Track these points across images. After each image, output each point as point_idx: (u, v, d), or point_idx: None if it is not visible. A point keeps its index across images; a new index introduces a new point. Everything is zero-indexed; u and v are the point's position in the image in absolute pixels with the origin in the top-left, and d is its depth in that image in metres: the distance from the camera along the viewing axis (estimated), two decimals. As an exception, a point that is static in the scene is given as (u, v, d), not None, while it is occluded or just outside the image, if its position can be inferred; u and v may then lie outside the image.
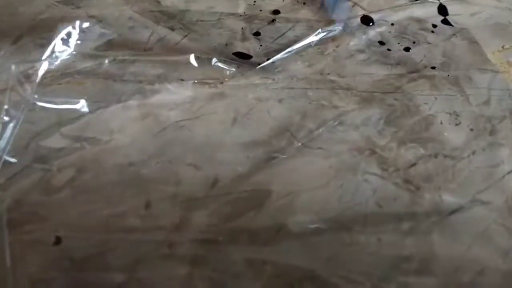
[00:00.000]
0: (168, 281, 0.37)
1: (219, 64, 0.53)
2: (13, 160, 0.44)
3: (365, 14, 0.61)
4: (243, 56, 0.55)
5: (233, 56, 0.55)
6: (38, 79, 0.51)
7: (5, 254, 0.38)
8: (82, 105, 0.49)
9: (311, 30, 0.58)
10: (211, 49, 0.56)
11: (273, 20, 0.61)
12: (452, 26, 0.60)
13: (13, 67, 0.50)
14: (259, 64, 0.54)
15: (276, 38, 0.58)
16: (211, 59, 0.54)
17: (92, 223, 0.40)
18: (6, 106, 0.47)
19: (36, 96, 0.49)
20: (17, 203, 0.41)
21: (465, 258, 0.38)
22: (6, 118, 0.47)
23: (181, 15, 0.62)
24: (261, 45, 0.56)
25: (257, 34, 0.59)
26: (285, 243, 0.39)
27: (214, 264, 0.37)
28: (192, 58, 0.54)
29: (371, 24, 0.60)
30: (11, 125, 0.46)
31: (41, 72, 0.52)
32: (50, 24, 0.59)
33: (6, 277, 0.37)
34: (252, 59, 0.55)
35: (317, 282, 0.37)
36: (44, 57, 0.53)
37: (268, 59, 0.54)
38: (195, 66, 0.53)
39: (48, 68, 0.52)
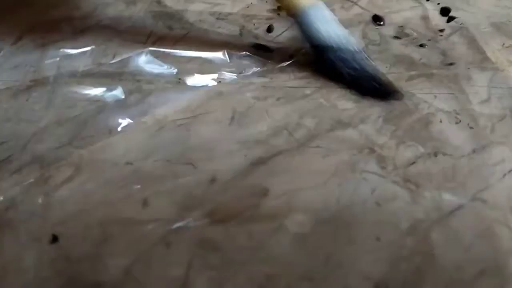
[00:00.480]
0: (165, 279, 0.36)
1: (220, 62, 0.53)
2: (23, 153, 0.44)
3: (376, 14, 0.61)
4: (261, 48, 0.55)
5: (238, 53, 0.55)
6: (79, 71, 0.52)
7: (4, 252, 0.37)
8: (92, 100, 0.49)
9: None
10: (210, 49, 0.56)
11: (272, 19, 0.61)
12: (453, 24, 0.59)
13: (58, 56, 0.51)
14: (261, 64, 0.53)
15: (275, 37, 0.58)
16: (213, 57, 0.54)
17: (89, 221, 0.39)
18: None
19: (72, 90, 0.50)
20: (15, 201, 0.41)
21: (465, 258, 0.37)
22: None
23: (180, 15, 0.61)
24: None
25: (269, 30, 0.58)
26: (283, 242, 0.38)
27: (211, 262, 0.37)
28: (195, 55, 0.53)
29: (382, 23, 0.60)
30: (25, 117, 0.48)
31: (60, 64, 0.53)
32: (50, 24, 0.59)
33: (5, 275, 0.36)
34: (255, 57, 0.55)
35: (315, 281, 0.36)
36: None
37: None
38: (193, 66, 0.53)
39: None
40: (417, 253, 0.37)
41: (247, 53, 0.54)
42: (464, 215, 0.40)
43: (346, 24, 0.59)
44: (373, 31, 0.58)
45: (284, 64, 0.53)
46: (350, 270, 0.36)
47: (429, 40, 0.57)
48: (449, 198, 0.41)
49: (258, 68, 0.52)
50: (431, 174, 0.43)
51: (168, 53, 0.55)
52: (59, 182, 0.42)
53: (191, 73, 0.52)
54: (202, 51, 0.55)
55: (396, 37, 0.57)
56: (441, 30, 0.58)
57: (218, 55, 0.54)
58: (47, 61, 0.53)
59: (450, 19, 0.60)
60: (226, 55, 0.54)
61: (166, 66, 0.53)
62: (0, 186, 0.42)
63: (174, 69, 0.53)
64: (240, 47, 0.55)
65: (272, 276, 0.36)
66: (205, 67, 0.53)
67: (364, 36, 0.58)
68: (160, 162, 0.44)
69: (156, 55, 0.54)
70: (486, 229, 0.39)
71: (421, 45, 0.56)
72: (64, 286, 0.36)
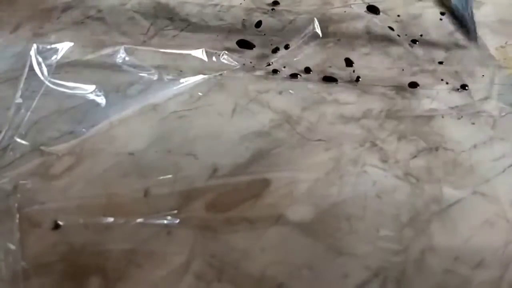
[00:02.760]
0: (166, 267, 0.38)
1: (224, 59, 0.55)
2: (23, 142, 0.46)
3: (371, 4, 0.63)
4: (246, 45, 0.57)
5: (238, 48, 0.57)
6: (55, 63, 0.53)
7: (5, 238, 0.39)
8: (91, 91, 0.50)
9: (312, 22, 0.59)
10: (211, 41, 0.58)
11: (273, 10, 0.62)
12: (456, 21, 0.61)
13: (34, 46, 0.52)
14: (267, 61, 0.55)
15: (278, 31, 0.59)
16: (215, 52, 0.55)
17: (91, 209, 0.41)
18: (19, 92, 0.49)
19: (52, 80, 0.51)
20: (16, 189, 0.42)
21: (464, 250, 0.39)
22: (20, 100, 0.49)
23: (181, 7, 0.63)
24: (264, 35, 0.58)
25: (258, 25, 0.60)
26: (284, 231, 0.40)
27: (212, 251, 0.39)
28: (195, 52, 0.55)
29: (377, 13, 0.62)
30: (25, 106, 0.49)
31: (59, 55, 0.54)
32: (49, 14, 0.61)
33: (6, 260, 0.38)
34: (256, 51, 0.56)
35: (315, 269, 0.38)
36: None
37: (273, 51, 0.56)
38: (194, 57, 0.55)
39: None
40: (416, 244, 0.39)
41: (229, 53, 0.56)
42: (464, 208, 0.42)
43: (347, 18, 0.61)
44: (377, 26, 0.60)
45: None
46: (350, 259, 0.38)
47: (434, 36, 0.59)
48: (449, 192, 0.43)
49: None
50: (431, 168, 0.45)
51: (170, 47, 0.56)
52: (60, 171, 0.44)
53: (190, 65, 0.54)
54: (201, 44, 0.57)
55: (401, 33, 0.59)
56: (446, 27, 0.60)
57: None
58: (46, 51, 0.54)
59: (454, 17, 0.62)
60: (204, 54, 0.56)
61: (166, 58, 0.55)
62: (2, 173, 0.43)
63: (174, 61, 0.54)
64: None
65: (273, 263, 0.38)
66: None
67: (367, 31, 0.60)
68: (162, 153, 0.46)
69: (159, 48, 0.56)
70: (485, 221, 0.41)
71: (425, 41, 0.58)
72: (66, 271, 0.38)
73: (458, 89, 0.52)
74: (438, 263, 0.38)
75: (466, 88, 0.52)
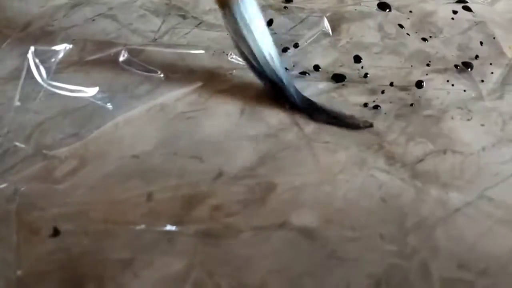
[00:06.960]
0: (165, 275, 0.38)
1: (233, 58, 0.55)
2: (24, 145, 0.46)
3: (382, 1, 0.63)
4: None
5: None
6: (54, 65, 0.53)
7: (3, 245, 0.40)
8: (94, 93, 0.51)
9: (322, 21, 0.60)
10: (222, 39, 0.58)
11: (286, 7, 0.63)
12: (470, 18, 0.61)
13: (32, 48, 0.52)
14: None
15: (290, 29, 0.60)
16: (223, 51, 0.56)
17: (92, 215, 0.42)
18: (18, 95, 0.50)
19: (51, 82, 0.51)
20: (17, 193, 0.43)
21: (469, 256, 0.39)
22: (18, 103, 0.49)
23: (193, 4, 0.63)
24: (275, 33, 0.58)
25: (269, 24, 0.60)
26: (288, 237, 0.40)
27: (214, 258, 0.39)
28: (205, 51, 0.55)
29: (388, 10, 0.62)
30: (26, 109, 0.50)
31: (58, 57, 0.54)
32: (59, 11, 0.62)
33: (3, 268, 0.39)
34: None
35: (317, 277, 0.38)
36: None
37: (283, 50, 0.57)
38: (203, 57, 0.55)
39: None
40: (420, 251, 0.39)
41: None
42: (470, 213, 0.42)
43: (359, 16, 0.61)
44: (389, 24, 0.60)
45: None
46: (352, 266, 0.39)
47: (446, 34, 0.59)
48: (455, 196, 0.43)
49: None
50: (438, 172, 0.45)
51: (179, 46, 0.57)
52: (63, 174, 0.44)
53: (199, 65, 0.55)
54: (212, 42, 0.57)
55: (412, 31, 0.59)
56: (459, 25, 0.60)
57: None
58: (54, 50, 0.55)
59: (467, 15, 0.61)
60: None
61: (175, 57, 0.55)
62: (2, 177, 0.44)
63: (183, 60, 0.55)
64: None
65: (274, 271, 0.38)
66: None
67: (380, 29, 0.60)
68: (167, 156, 0.46)
69: (168, 47, 0.56)
70: (490, 227, 0.41)
71: (437, 40, 0.58)
72: (63, 280, 0.38)
73: (469, 90, 0.52)
74: (441, 270, 0.39)
75: (477, 88, 0.52)
